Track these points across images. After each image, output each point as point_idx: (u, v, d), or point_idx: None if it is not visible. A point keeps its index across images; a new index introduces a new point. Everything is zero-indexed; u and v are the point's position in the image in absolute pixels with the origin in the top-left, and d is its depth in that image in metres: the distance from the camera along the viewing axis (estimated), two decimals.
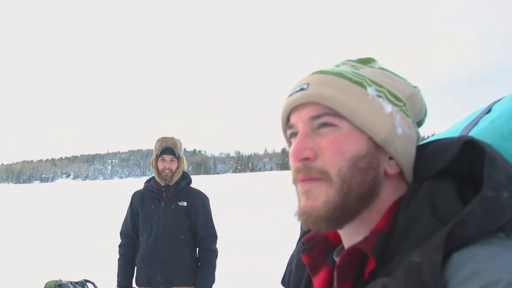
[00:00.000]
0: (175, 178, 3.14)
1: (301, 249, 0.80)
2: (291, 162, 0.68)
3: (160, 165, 3.13)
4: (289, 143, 0.74)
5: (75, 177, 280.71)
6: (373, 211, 0.64)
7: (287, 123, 0.71)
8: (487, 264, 0.47)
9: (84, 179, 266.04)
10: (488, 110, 0.88)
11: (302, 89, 0.67)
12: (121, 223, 3.30)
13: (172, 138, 3.21)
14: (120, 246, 3.24)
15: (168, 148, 3.13)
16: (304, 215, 0.64)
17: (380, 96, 0.66)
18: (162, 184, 3.13)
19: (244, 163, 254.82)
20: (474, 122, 0.89)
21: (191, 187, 3.27)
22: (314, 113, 0.65)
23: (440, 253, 0.49)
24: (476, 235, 0.52)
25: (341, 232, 0.68)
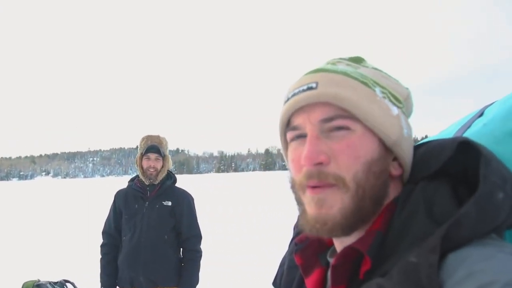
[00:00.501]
0: (160, 177, 3.09)
1: (293, 250, 0.79)
2: (298, 166, 0.65)
3: (145, 163, 3.08)
4: (286, 145, 0.71)
5: (55, 175, 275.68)
6: (375, 213, 0.63)
7: (288, 124, 0.68)
8: (482, 265, 0.47)
9: (64, 177, 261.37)
10: (481, 114, 0.90)
11: (310, 88, 0.64)
12: (103, 222, 3.23)
13: (158, 137, 3.16)
14: (102, 246, 3.17)
15: (153, 147, 3.08)
16: (317, 223, 0.62)
17: (385, 98, 0.65)
18: (147, 183, 3.08)
19: (227, 163, 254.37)
20: (467, 125, 0.90)
21: (176, 187, 3.23)
22: (325, 115, 0.62)
23: (436, 254, 0.49)
24: (471, 236, 0.52)
25: None
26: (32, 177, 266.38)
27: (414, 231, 0.56)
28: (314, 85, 0.64)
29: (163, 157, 3.12)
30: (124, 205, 3.11)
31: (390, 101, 0.65)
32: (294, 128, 0.66)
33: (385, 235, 0.59)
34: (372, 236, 0.59)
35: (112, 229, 3.14)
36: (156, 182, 3.09)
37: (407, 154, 0.65)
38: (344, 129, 0.61)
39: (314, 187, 0.61)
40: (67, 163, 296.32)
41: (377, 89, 0.65)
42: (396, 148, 0.64)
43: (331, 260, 0.69)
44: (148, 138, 3.13)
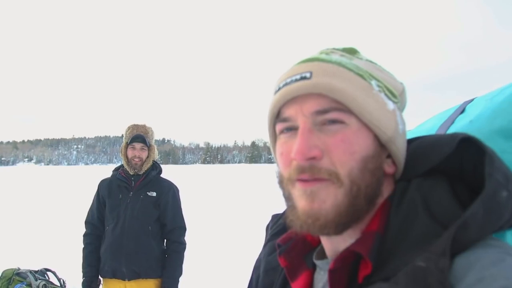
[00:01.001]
0: (145, 167, 3.06)
1: (271, 252, 0.78)
2: (287, 160, 0.62)
3: (130, 153, 3.03)
4: (274, 138, 0.68)
5: (38, 162, 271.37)
6: (370, 212, 0.61)
7: (278, 115, 0.65)
8: (493, 270, 0.46)
9: (48, 164, 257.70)
10: (462, 110, 0.91)
11: (304, 78, 0.60)
12: (86, 211, 3.18)
13: (144, 126, 3.11)
14: (84, 235, 3.12)
15: (139, 136, 3.03)
16: (309, 218, 0.59)
17: (381, 92, 0.62)
18: (131, 173, 3.04)
19: (213, 155, 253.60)
20: (450, 121, 0.91)
21: (161, 177, 3.19)
22: (320, 106, 0.59)
23: (446, 258, 0.48)
24: (478, 238, 0.51)
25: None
26: (14, 163, 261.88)
27: (415, 232, 0.54)
28: (308, 74, 0.61)
29: (149, 147, 3.08)
30: (108, 195, 3.07)
31: (386, 95, 0.63)
32: (285, 120, 0.63)
33: (383, 236, 0.57)
34: (371, 238, 0.57)
35: (95, 219, 3.10)
36: (141, 172, 3.05)
37: (401, 151, 0.63)
38: (339, 123, 0.59)
39: (306, 181, 0.59)
40: (50, 150, 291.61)
41: (373, 82, 0.62)
42: (391, 145, 0.61)
43: (319, 263, 0.67)
44: (134, 127, 3.08)
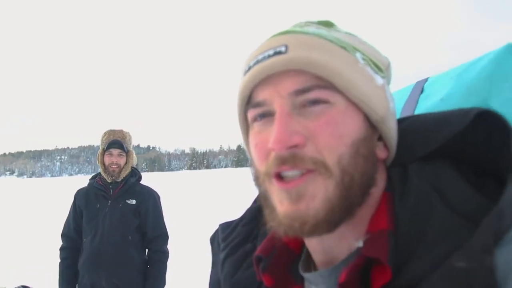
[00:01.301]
0: (123, 174, 2.93)
1: (236, 269, 0.66)
2: (263, 153, 0.53)
3: (107, 159, 2.91)
4: (247, 128, 0.59)
5: (20, 174, 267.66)
6: (366, 206, 0.53)
7: (249, 100, 0.56)
8: None
9: (30, 176, 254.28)
10: (422, 90, 0.93)
11: (278, 53, 0.52)
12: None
13: (121, 131, 2.99)
14: (61, 249, 2.98)
15: (115, 142, 2.91)
16: (295, 222, 0.50)
17: (367, 65, 0.55)
18: (109, 180, 2.92)
19: (199, 160, 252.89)
20: (414, 101, 0.92)
21: (141, 184, 3.07)
22: (299, 85, 0.51)
23: (492, 255, 0.41)
24: (509, 227, 0.45)
25: (317, 237, 0.54)
26: None
27: (433, 227, 0.47)
28: (283, 48, 0.52)
29: (127, 152, 2.96)
30: (85, 205, 2.93)
31: (372, 69, 0.56)
32: (258, 105, 0.54)
33: (394, 234, 0.50)
34: (385, 239, 0.49)
35: (72, 231, 2.96)
36: (119, 180, 2.93)
37: (393, 133, 0.56)
38: (322, 103, 0.51)
39: (286, 181, 0.50)
40: (33, 162, 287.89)
41: (358, 55, 0.54)
42: (383, 126, 0.54)
43: (309, 276, 0.57)
44: (110, 133, 2.96)
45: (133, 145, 3.06)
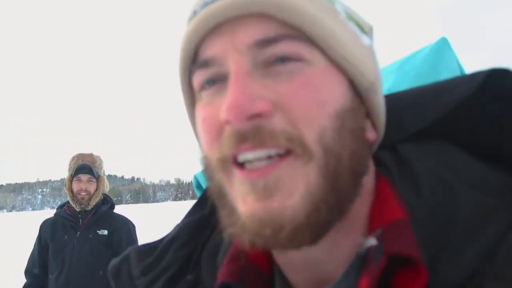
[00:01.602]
0: (94, 202, 2.71)
1: None
2: (214, 130, 0.41)
3: (75, 186, 2.69)
4: (192, 99, 0.47)
5: (0, 209, 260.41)
6: (360, 199, 0.43)
7: (195, 59, 0.44)
8: None
9: (10, 210, 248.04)
10: None
11: None
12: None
13: (91, 155, 2.79)
14: (24, 287, 2.71)
15: (84, 166, 2.69)
16: (266, 227, 0.38)
17: (349, 20, 0.45)
18: (78, 209, 2.69)
19: (184, 191, 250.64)
20: None
21: (114, 213, 2.86)
22: (262, 34, 0.40)
23: None
24: None
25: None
26: None
27: (464, 212, 0.40)
28: None
29: (97, 178, 2.74)
30: (51, 237, 2.69)
31: (356, 27, 0.46)
32: (206, 64, 0.42)
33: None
34: (409, 230, 0.40)
35: (36, 267, 2.71)
36: (89, 208, 2.70)
37: (382, 108, 0.47)
38: (295, 61, 0.40)
39: (249, 169, 0.39)
40: (13, 195, 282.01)
41: (338, 6, 0.44)
42: (373, 97, 0.45)
43: None
44: (79, 157, 2.75)
45: (103, 170, 2.85)
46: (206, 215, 0.56)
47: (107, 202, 2.82)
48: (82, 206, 2.67)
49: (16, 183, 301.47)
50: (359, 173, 0.42)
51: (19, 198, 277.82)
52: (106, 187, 2.81)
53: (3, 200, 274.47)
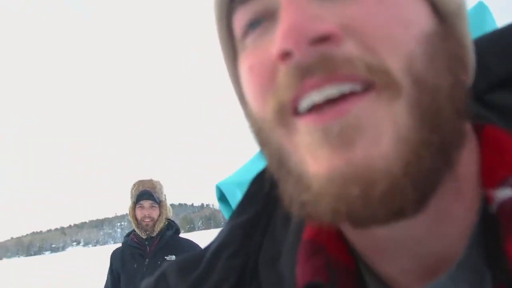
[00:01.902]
0: (158, 228, 2.68)
1: None
2: (266, 75, 0.33)
3: (139, 213, 2.68)
4: (233, 52, 0.39)
5: (86, 244, 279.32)
6: (466, 147, 0.34)
7: None
8: None
9: (95, 245, 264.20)
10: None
11: None
12: None
13: (151, 181, 2.78)
14: None
15: (145, 192, 2.68)
16: (354, 186, 0.28)
17: None
18: (144, 236, 2.67)
19: None
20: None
21: (180, 237, 2.82)
22: None
23: None
24: None
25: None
26: (63, 248, 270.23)
27: None
28: None
29: (159, 203, 2.72)
30: (122, 267, 2.69)
31: None
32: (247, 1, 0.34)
33: None
34: None
35: None
36: (154, 234, 2.67)
37: (471, 42, 0.37)
38: None
39: (318, 113, 0.30)
40: (96, 231, 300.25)
41: None
42: (459, 24, 0.35)
43: None
44: (139, 183, 2.75)
45: (165, 195, 2.83)
46: (259, 210, 0.45)
47: (172, 227, 2.78)
48: (148, 232, 2.65)
49: (98, 219, 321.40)
50: (462, 113, 0.32)
51: (101, 233, 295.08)
52: (169, 211, 2.78)
53: (87, 236, 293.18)
